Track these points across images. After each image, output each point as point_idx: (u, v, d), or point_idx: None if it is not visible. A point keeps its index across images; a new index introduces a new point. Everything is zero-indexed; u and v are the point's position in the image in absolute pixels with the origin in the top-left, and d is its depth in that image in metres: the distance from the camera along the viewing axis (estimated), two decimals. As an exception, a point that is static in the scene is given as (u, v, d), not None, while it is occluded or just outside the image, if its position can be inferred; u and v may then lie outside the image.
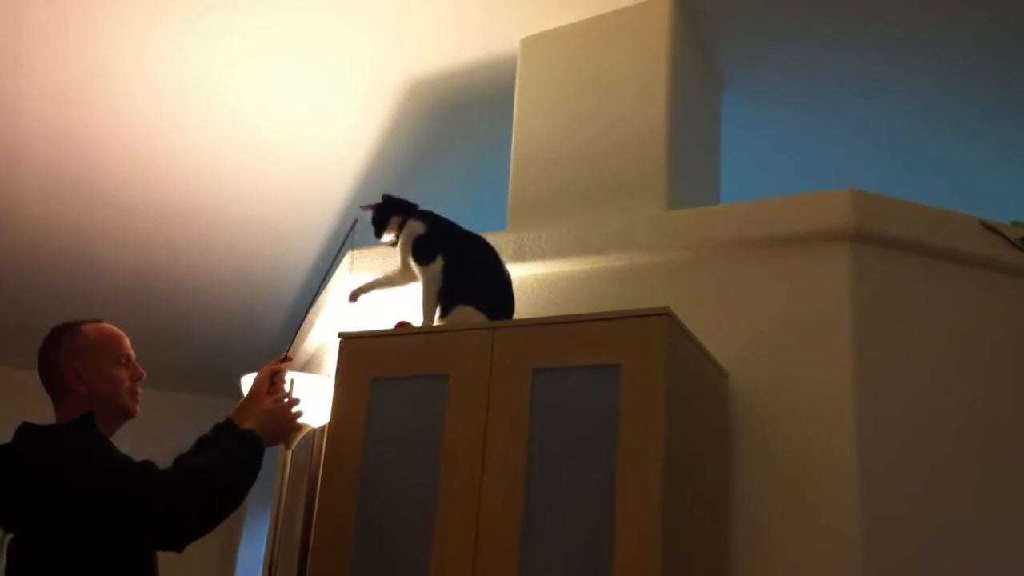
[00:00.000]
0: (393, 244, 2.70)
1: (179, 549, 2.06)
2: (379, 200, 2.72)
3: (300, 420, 2.53)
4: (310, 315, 3.92)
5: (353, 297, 2.79)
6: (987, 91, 3.69)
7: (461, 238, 2.67)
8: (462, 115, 3.96)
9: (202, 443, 2.26)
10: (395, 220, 2.67)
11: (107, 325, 2.35)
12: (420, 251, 2.62)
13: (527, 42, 3.51)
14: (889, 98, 3.78)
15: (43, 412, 2.27)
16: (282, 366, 2.61)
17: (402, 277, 2.71)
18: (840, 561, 2.37)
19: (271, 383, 2.57)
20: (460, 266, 2.59)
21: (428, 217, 2.68)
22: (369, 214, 2.72)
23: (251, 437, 2.24)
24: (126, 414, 2.32)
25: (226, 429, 2.31)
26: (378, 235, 2.71)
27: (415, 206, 2.71)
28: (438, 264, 2.57)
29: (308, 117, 3.96)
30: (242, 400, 2.56)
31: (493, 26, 3.49)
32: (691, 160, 3.31)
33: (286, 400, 2.47)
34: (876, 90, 3.74)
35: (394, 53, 3.63)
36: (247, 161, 4.17)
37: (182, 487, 2.05)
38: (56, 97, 3.77)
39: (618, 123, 3.21)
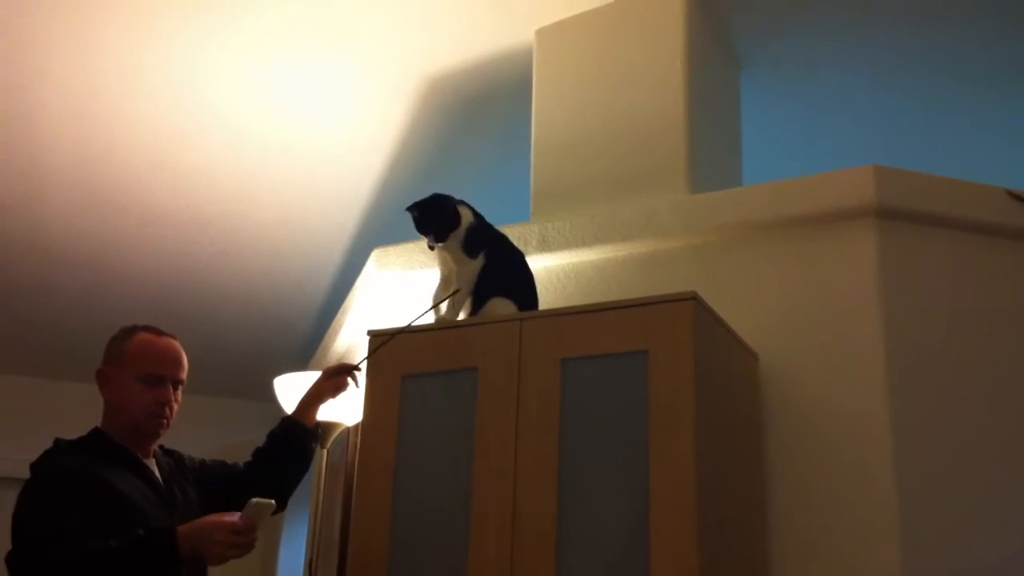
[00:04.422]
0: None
1: None
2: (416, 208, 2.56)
3: (234, 551, 2.03)
4: (339, 315, 3.94)
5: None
6: (1009, 58, 3.65)
7: (497, 234, 2.66)
8: (481, 109, 3.96)
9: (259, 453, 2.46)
10: (457, 211, 2.53)
11: (163, 340, 2.32)
12: (470, 243, 2.54)
13: (542, 33, 3.51)
14: (908, 71, 3.75)
15: (74, 422, 2.30)
16: (346, 377, 2.57)
17: (449, 272, 2.60)
18: (878, 539, 2.36)
19: (335, 389, 2.56)
20: (499, 261, 2.58)
21: (471, 208, 2.61)
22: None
23: (164, 536, 2.01)
24: (144, 433, 2.28)
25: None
26: (446, 234, 2.53)
27: (450, 197, 2.60)
28: (481, 259, 2.54)
29: (329, 118, 3.97)
30: (305, 396, 2.57)
31: (507, 18, 3.49)
32: (711, 143, 3.30)
33: (241, 527, 2.02)
34: (895, 64, 3.71)
35: (411, 50, 3.64)
36: (270, 165, 4.18)
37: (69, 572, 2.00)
38: (79, 108, 3.79)
39: (637, 109, 3.21)
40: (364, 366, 2.50)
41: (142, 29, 3.45)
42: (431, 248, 2.58)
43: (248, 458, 2.52)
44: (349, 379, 2.56)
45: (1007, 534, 2.46)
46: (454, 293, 2.53)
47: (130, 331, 2.32)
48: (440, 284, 2.62)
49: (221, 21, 3.44)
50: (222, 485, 2.42)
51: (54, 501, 2.07)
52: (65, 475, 2.12)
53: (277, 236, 4.63)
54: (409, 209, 2.56)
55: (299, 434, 2.53)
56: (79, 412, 2.32)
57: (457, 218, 2.53)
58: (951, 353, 2.55)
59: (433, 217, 2.53)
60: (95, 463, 2.16)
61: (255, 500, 2.02)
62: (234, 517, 2.02)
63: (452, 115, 3.99)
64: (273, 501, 2.05)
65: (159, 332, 2.33)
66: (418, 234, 2.57)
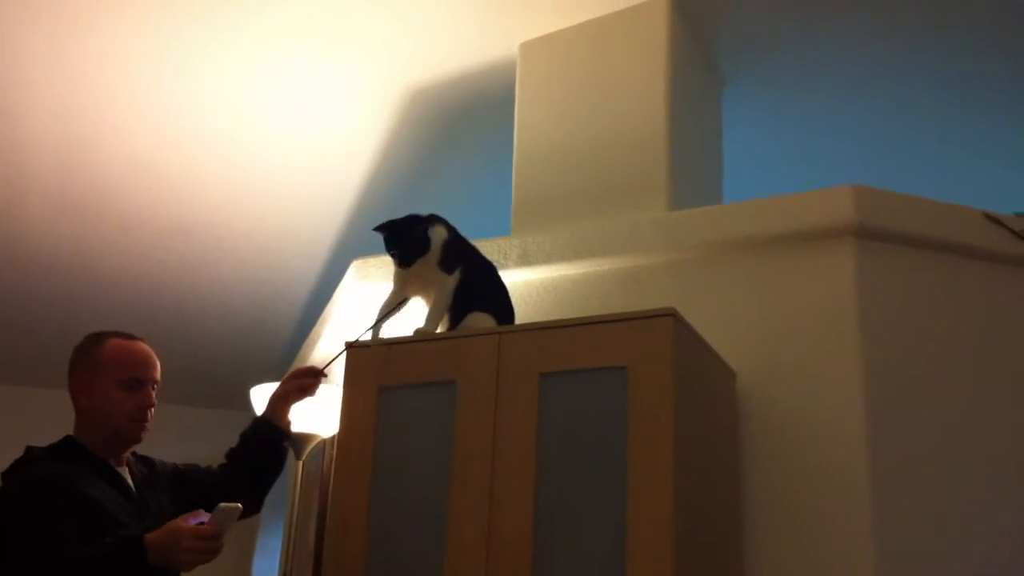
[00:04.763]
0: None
1: None
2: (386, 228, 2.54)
3: (202, 556, 2.01)
4: (317, 325, 3.93)
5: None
6: (991, 79, 3.68)
7: (470, 247, 2.66)
8: (464, 121, 3.97)
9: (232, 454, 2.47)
10: (428, 231, 2.51)
11: (135, 344, 2.31)
12: (446, 259, 2.53)
13: (526, 47, 3.52)
14: (890, 91, 3.78)
15: (50, 429, 2.28)
16: (315, 379, 2.59)
17: (406, 291, 2.59)
18: (853, 556, 2.36)
19: (300, 391, 2.58)
20: (474, 276, 2.58)
21: (446, 224, 2.60)
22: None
23: (133, 544, 2.00)
24: (125, 438, 2.28)
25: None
26: (418, 256, 2.50)
27: (423, 217, 2.59)
28: (457, 274, 2.53)
29: (312, 128, 3.97)
30: (272, 397, 2.57)
31: (492, 32, 3.50)
32: (693, 160, 3.31)
33: (208, 533, 2.01)
34: (876, 84, 3.74)
35: (394, 62, 3.64)
36: (252, 173, 4.18)
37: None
38: (60, 113, 3.78)
39: (619, 125, 3.22)
40: (329, 371, 2.55)
41: (124, 37, 3.44)
42: (400, 268, 2.55)
43: (223, 461, 2.52)
44: (314, 383, 2.58)
45: (982, 551, 2.47)
46: (395, 309, 2.54)
47: (99, 337, 2.30)
48: (387, 299, 2.60)
49: (204, 31, 3.43)
50: (196, 490, 2.40)
51: (30, 510, 2.05)
52: (42, 483, 2.11)
53: (257, 245, 4.62)
54: (378, 229, 2.55)
55: (271, 434, 2.53)
56: (56, 419, 2.30)
57: (426, 244, 2.50)
58: (928, 372, 2.57)
59: (403, 240, 2.52)
60: (69, 471, 2.15)
61: (222, 505, 2.02)
62: (199, 519, 2.01)
63: (434, 127, 3.99)
64: (240, 505, 2.05)
65: (130, 336, 2.32)
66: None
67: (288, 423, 2.58)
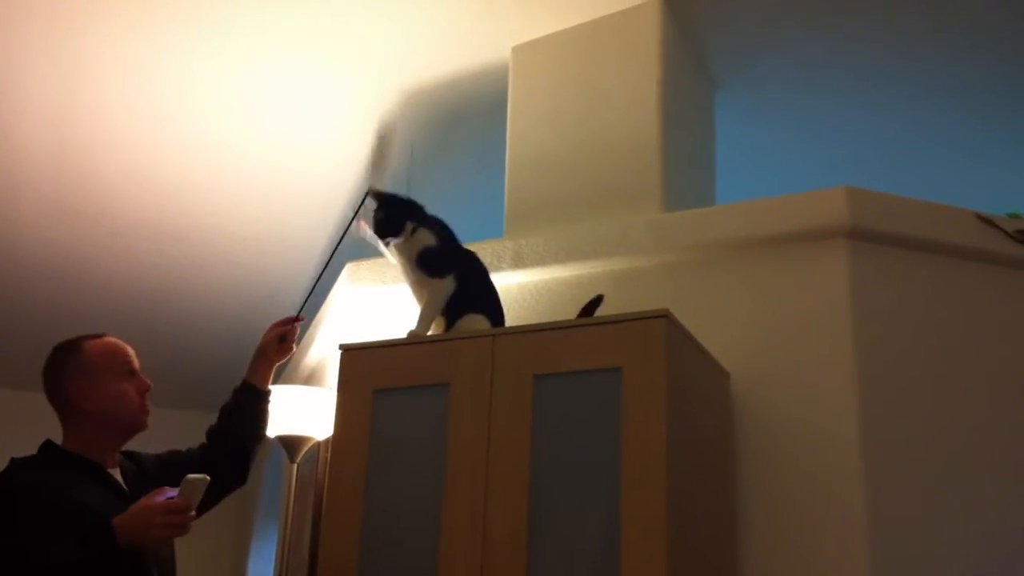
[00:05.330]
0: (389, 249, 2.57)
1: None
2: (381, 196, 2.58)
3: (173, 531, 2.04)
4: (311, 328, 3.93)
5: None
6: (984, 82, 3.69)
7: (463, 249, 2.66)
8: (456, 124, 3.97)
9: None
10: (409, 226, 2.53)
11: (109, 339, 2.34)
12: (431, 264, 2.53)
13: (518, 50, 3.52)
14: (882, 93, 3.79)
15: (44, 433, 2.27)
16: (293, 326, 2.63)
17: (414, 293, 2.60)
18: (847, 558, 2.36)
19: (281, 341, 2.61)
20: (469, 279, 2.58)
21: (436, 226, 2.60)
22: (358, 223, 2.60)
23: (101, 530, 1.99)
24: (137, 428, 2.32)
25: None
26: (386, 236, 2.52)
27: (422, 210, 2.60)
28: (450, 279, 2.53)
29: (303, 131, 3.96)
30: (252, 357, 2.60)
31: (484, 35, 3.49)
32: (686, 162, 3.32)
33: (177, 506, 2.01)
34: (869, 86, 3.75)
35: (387, 64, 3.64)
36: (245, 177, 4.17)
37: None
38: (53, 118, 3.77)
39: (611, 127, 3.22)
40: (304, 317, 2.62)
41: (119, 41, 3.43)
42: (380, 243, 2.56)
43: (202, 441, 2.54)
44: (288, 337, 2.61)
45: (977, 553, 2.47)
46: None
47: (73, 344, 2.30)
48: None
49: (199, 36, 3.43)
50: (183, 473, 2.40)
51: (11, 521, 2.05)
52: (19, 492, 2.10)
53: (249, 249, 4.62)
54: (374, 195, 2.60)
55: (249, 398, 2.55)
56: (50, 422, 2.30)
57: (398, 230, 2.52)
58: (922, 373, 2.57)
59: (385, 215, 2.55)
60: (51, 478, 2.14)
61: (190, 476, 2.02)
62: (167, 495, 2.02)
63: (427, 130, 3.99)
64: (207, 477, 2.05)
65: (98, 335, 2.34)
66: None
67: (267, 384, 2.60)
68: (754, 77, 3.74)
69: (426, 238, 2.55)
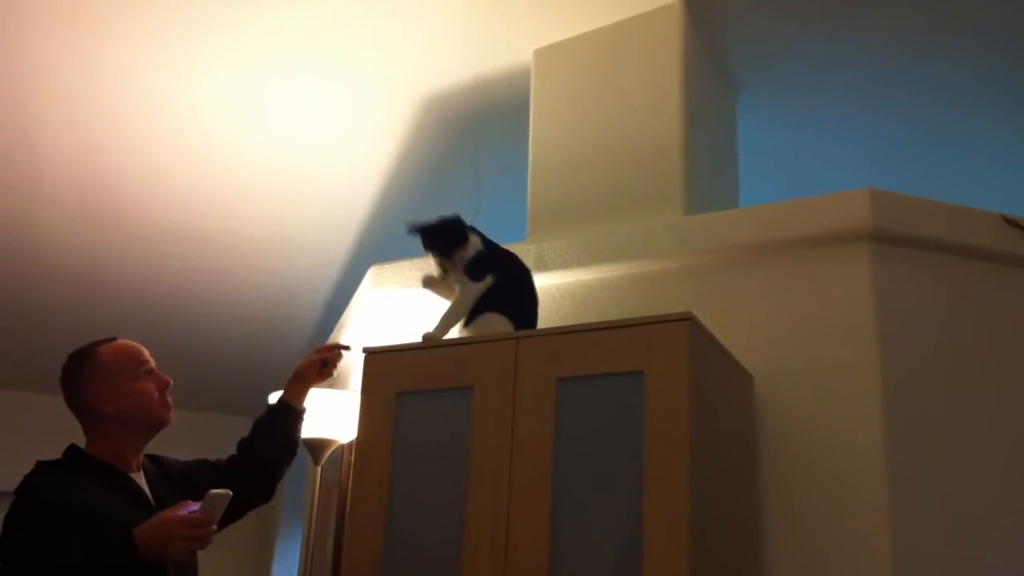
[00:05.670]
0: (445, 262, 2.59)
1: None
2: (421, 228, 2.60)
3: (194, 544, 2.05)
4: (335, 332, 3.94)
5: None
6: (1005, 83, 3.68)
7: (503, 254, 2.66)
8: (478, 128, 3.98)
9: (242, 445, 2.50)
10: (473, 237, 2.57)
11: (122, 341, 2.36)
12: (475, 267, 2.54)
13: (540, 53, 3.52)
14: (905, 95, 3.77)
15: (66, 435, 2.29)
16: (337, 352, 2.65)
17: (447, 289, 2.63)
18: (870, 562, 2.36)
19: (323, 365, 2.62)
20: (503, 279, 2.57)
21: (478, 233, 2.62)
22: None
23: (122, 542, 2.01)
24: (160, 425, 2.33)
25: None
26: (448, 253, 2.56)
27: (460, 218, 2.63)
28: (486, 282, 2.53)
29: (326, 136, 3.98)
30: (291, 376, 2.61)
31: (505, 39, 3.50)
32: (708, 165, 3.31)
33: (199, 520, 2.03)
34: (891, 88, 3.73)
35: (409, 69, 3.65)
36: (266, 181, 4.19)
37: None
38: (75, 123, 3.80)
39: (633, 130, 3.22)
40: (351, 347, 2.65)
41: (139, 46, 3.45)
42: (444, 271, 2.59)
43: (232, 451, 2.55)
44: (331, 363, 2.62)
45: (1001, 555, 2.46)
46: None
47: (87, 351, 2.32)
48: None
49: (218, 40, 3.45)
50: (207, 485, 2.41)
51: (28, 524, 2.07)
52: (39, 496, 2.12)
53: (270, 253, 4.63)
54: (415, 229, 2.59)
55: (285, 420, 2.57)
56: (71, 425, 2.31)
57: (462, 237, 2.55)
58: (944, 376, 2.56)
59: (439, 234, 2.57)
60: (71, 482, 2.16)
61: (212, 492, 2.03)
62: (189, 508, 2.03)
63: (449, 134, 4.00)
64: (230, 492, 2.06)
65: (109, 339, 2.35)
66: (414, 253, 2.58)
67: (302, 404, 2.62)
68: (775, 79, 3.73)
69: (476, 243, 2.58)
